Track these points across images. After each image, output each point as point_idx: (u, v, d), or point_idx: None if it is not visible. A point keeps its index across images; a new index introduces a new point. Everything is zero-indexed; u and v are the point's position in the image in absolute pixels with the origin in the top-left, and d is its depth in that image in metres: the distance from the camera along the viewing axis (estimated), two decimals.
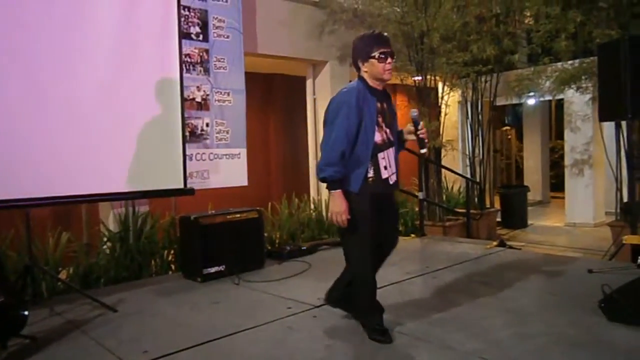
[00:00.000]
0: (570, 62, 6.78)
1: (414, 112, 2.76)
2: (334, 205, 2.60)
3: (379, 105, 2.70)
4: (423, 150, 2.80)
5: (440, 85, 7.33)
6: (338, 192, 2.59)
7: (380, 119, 2.69)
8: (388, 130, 2.74)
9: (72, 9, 3.55)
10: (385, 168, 2.71)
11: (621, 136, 6.03)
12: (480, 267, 4.30)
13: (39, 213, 4.43)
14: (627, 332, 2.65)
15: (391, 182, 2.76)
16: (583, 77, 6.56)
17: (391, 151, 2.76)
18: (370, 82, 2.71)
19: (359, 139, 2.61)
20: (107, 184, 3.71)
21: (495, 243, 5.20)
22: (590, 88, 6.75)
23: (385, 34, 2.81)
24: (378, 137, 2.67)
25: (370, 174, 2.65)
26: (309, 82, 7.05)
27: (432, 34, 6.42)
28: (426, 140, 2.76)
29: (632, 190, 4.56)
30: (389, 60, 2.65)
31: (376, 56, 2.63)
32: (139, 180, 3.86)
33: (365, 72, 2.70)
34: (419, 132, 2.73)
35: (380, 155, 2.69)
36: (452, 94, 7.45)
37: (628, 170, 4.63)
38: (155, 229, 4.61)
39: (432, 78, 7.03)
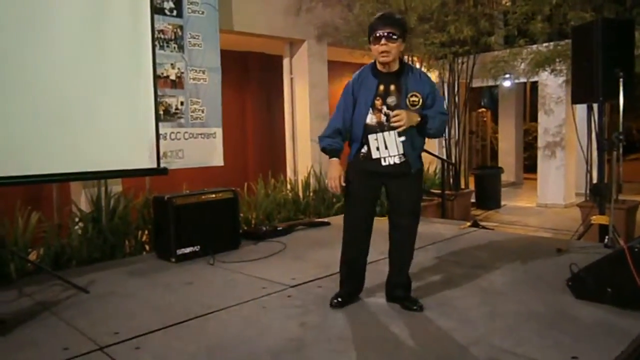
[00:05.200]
0: (545, 44, 6.84)
1: (392, 100, 2.70)
2: (329, 171, 2.79)
3: (381, 87, 2.71)
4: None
5: (417, 65, 7.32)
6: (333, 160, 2.77)
7: (378, 102, 2.70)
8: (391, 113, 2.68)
9: None
10: (378, 149, 2.73)
11: (592, 119, 6.13)
12: (453, 247, 4.36)
13: (8, 192, 4.31)
14: (593, 310, 2.73)
15: (385, 164, 2.73)
16: (557, 60, 6.62)
17: (392, 133, 2.70)
18: (377, 64, 2.75)
19: (353, 119, 2.76)
20: (78, 163, 3.62)
21: (468, 223, 5.28)
22: (564, 71, 6.82)
23: (390, 13, 2.76)
24: (371, 119, 2.71)
25: (363, 151, 2.77)
26: (286, 61, 6.95)
27: (409, 13, 6.38)
28: (395, 126, 2.65)
29: (601, 171, 4.65)
30: (383, 42, 2.62)
31: (371, 39, 2.68)
32: (111, 159, 3.78)
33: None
34: (387, 118, 2.69)
35: (372, 136, 2.73)
36: (429, 74, 7.45)
37: (598, 152, 4.70)
38: (129, 209, 4.53)
39: (410, 58, 7.02)
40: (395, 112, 2.64)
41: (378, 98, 2.70)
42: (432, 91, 2.77)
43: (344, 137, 2.79)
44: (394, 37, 2.62)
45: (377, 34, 2.63)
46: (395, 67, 2.74)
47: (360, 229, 2.87)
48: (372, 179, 2.79)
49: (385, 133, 2.71)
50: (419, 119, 2.68)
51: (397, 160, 2.74)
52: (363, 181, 2.80)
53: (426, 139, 2.87)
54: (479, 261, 3.84)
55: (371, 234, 2.91)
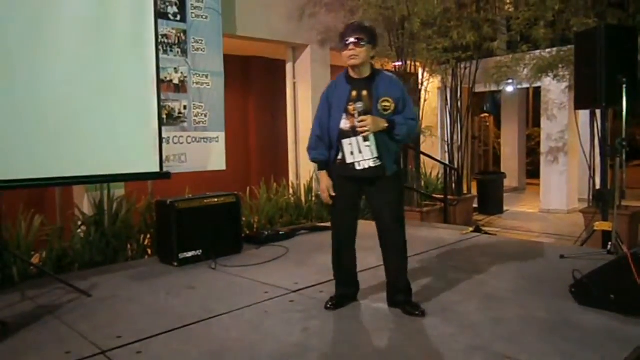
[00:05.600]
0: (548, 50, 6.84)
1: (359, 106, 2.74)
2: (320, 184, 2.96)
3: (354, 93, 2.79)
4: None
5: (420, 71, 7.33)
6: (321, 173, 2.93)
7: (351, 107, 2.76)
8: (358, 119, 2.74)
9: None
10: (352, 154, 2.81)
11: (595, 124, 6.14)
12: (456, 252, 4.36)
13: (11, 196, 4.32)
14: (595, 316, 2.72)
15: (359, 168, 2.80)
16: (560, 66, 6.63)
17: (361, 138, 2.77)
18: (349, 70, 2.86)
19: (330, 125, 2.85)
20: (81, 167, 3.62)
21: (471, 229, 5.27)
22: (567, 76, 6.83)
23: (359, 22, 2.91)
24: (345, 124, 2.79)
25: (339, 157, 2.85)
26: (289, 66, 6.97)
27: (412, 19, 6.40)
28: (360, 131, 2.72)
29: (604, 177, 4.65)
30: (351, 47, 2.74)
31: (341, 46, 2.81)
32: (114, 163, 3.78)
33: None
34: (356, 124, 2.73)
35: (346, 141, 2.81)
36: (432, 80, 7.47)
37: (601, 158, 4.70)
38: (131, 213, 4.54)
39: (413, 64, 7.03)
40: (362, 117, 2.71)
41: (351, 103, 2.78)
42: (403, 96, 2.84)
43: (326, 143, 2.89)
44: (362, 42, 2.74)
45: (347, 41, 2.75)
46: (367, 73, 2.84)
47: (344, 234, 2.96)
48: (350, 184, 2.87)
49: (359, 137, 2.78)
50: (386, 124, 2.74)
51: (371, 164, 2.80)
52: (342, 187, 2.88)
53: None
54: (482, 267, 3.83)
55: (355, 238, 2.98)
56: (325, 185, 2.90)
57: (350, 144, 2.79)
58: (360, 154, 2.79)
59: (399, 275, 2.92)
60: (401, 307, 2.88)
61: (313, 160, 2.96)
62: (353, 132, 2.76)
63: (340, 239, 2.97)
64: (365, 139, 2.76)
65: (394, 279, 2.93)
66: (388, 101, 2.77)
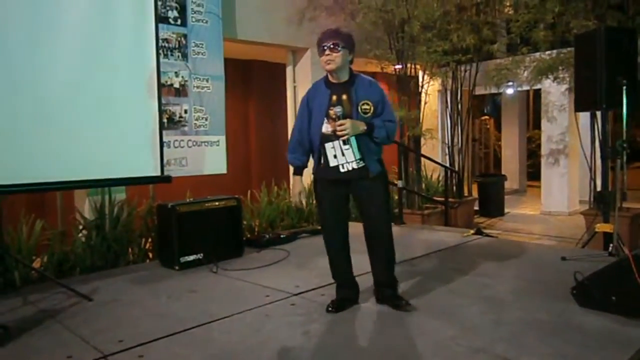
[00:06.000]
0: (548, 52, 6.85)
1: (338, 110, 2.76)
2: (292, 188, 3.08)
3: (334, 97, 2.83)
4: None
5: (420, 74, 7.34)
6: (295, 178, 3.04)
7: (332, 111, 2.79)
8: (336, 122, 2.77)
9: None
10: (335, 157, 2.85)
11: (596, 126, 6.14)
12: (457, 255, 4.36)
13: (12, 200, 4.33)
14: (597, 318, 2.72)
15: (343, 170, 2.84)
16: (560, 68, 6.63)
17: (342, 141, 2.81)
18: (328, 75, 2.90)
19: (310, 130, 2.89)
20: (82, 171, 3.63)
21: (472, 231, 5.26)
22: (567, 78, 6.83)
23: (336, 28, 2.94)
24: (326, 128, 2.83)
25: (322, 160, 2.90)
26: (289, 69, 6.98)
27: (412, 22, 6.42)
28: (340, 134, 2.74)
29: (605, 179, 4.64)
30: (327, 52, 2.79)
31: (319, 51, 2.85)
32: (114, 167, 3.79)
33: None
34: (336, 127, 2.74)
35: (329, 145, 2.85)
36: (432, 82, 7.48)
37: (602, 159, 4.70)
38: (133, 217, 4.55)
39: (413, 67, 7.04)
40: (340, 121, 2.74)
41: (331, 108, 2.81)
42: (382, 99, 2.88)
43: (305, 148, 2.94)
44: (338, 47, 2.78)
45: (323, 46, 2.80)
46: (345, 77, 2.88)
47: (334, 237, 3.01)
48: (335, 186, 2.92)
49: (340, 141, 2.81)
50: (364, 127, 2.77)
51: (355, 166, 2.85)
52: (328, 190, 2.94)
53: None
54: (483, 269, 3.83)
55: (347, 240, 3.01)
56: (297, 190, 3.04)
57: (332, 147, 2.84)
58: (343, 156, 2.84)
59: (388, 270, 2.98)
60: (389, 302, 2.95)
61: (290, 163, 3.02)
62: (335, 136, 2.80)
63: (331, 242, 3.02)
64: (345, 142, 2.79)
65: (381, 274, 2.98)
66: (367, 104, 2.82)
